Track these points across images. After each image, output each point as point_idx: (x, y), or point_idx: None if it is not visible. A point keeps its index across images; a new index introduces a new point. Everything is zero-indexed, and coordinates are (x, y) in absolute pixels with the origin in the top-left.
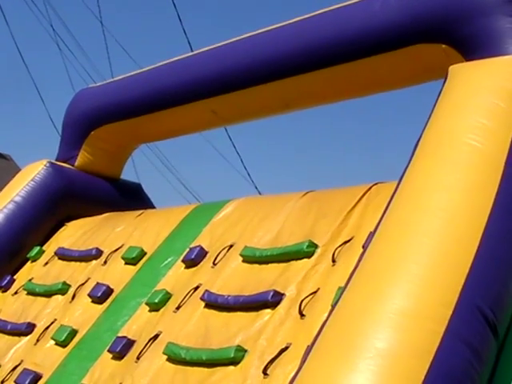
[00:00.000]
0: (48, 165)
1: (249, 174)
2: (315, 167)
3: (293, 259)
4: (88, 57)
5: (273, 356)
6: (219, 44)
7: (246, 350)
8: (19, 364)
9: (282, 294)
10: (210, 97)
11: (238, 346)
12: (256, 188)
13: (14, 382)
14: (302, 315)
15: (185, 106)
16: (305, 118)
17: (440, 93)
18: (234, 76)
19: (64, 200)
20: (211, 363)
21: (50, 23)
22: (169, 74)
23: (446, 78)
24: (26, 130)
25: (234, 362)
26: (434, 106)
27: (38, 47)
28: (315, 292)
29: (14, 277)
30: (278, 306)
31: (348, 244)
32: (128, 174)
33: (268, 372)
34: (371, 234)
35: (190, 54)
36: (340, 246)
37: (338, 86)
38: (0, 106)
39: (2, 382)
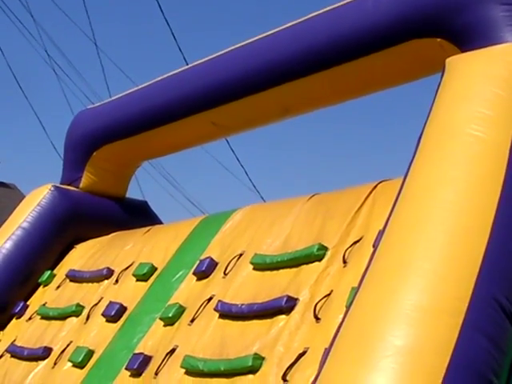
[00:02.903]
0: (53, 189)
1: (254, 185)
2: (318, 170)
3: (304, 263)
4: (84, 79)
5: (291, 362)
6: (214, 55)
7: (263, 358)
8: None
9: (296, 299)
10: (209, 108)
11: (256, 354)
12: (262, 198)
13: None
14: (317, 319)
15: (184, 119)
16: (304, 122)
17: (438, 86)
18: (232, 86)
19: (71, 222)
20: (230, 373)
21: (44, 48)
22: (166, 88)
23: (443, 71)
24: (28, 157)
25: (253, 370)
26: (434, 99)
27: (34, 73)
28: (329, 294)
29: (27, 302)
30: (293, 311)
31: (358, 244)
32: (133, 193)
33: (287, 378)
34: (380, 233)
35: (186, 67)
36: (350, 246)
37: (336, 87)
38: (0, 136)
39: None
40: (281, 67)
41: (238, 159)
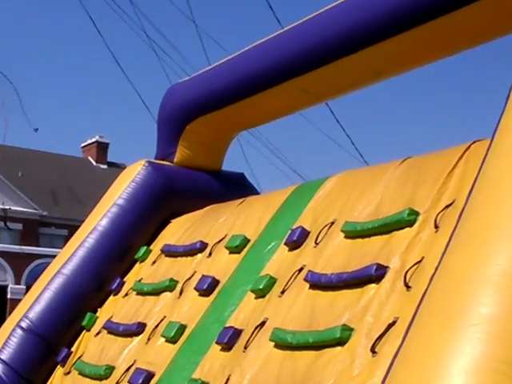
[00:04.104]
0: (147, 164)
1: (360, 154)
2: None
3: (395, 229)
4: (184, 57)
5: (380, 333)
6: (301, 20)
7: (352, 329)
8: (132, 364)
9: (386, 267)
10: (299, 75)
11: (344, 325)
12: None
13: (128, 382)
14: (407, 287)
15: (275, 88)
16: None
17: None
18: (321, 50)
19: (166, 197)
20: (318, 345)
21: (142, 29)
22: (255, 57)
23: None
24: (137, 138)
25: (341, 342)
26: None
27: (134, 55)
28: (420, 261)
29: (124, 279)
30: (383, 280)
31: (450, 208)
32: (237, 165)
33: (376, 350)
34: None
35: (274, 34)
36: (442, 210)
37: (428, 45)
38: (111, 120)
39: (117, 383)
40: (371, 27)
41: (343, 128)
